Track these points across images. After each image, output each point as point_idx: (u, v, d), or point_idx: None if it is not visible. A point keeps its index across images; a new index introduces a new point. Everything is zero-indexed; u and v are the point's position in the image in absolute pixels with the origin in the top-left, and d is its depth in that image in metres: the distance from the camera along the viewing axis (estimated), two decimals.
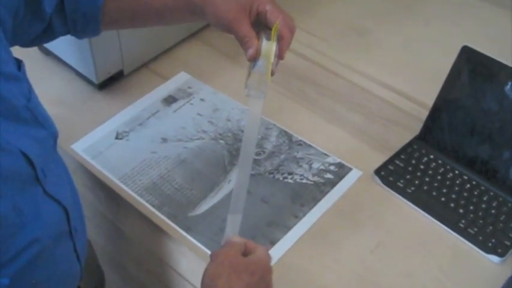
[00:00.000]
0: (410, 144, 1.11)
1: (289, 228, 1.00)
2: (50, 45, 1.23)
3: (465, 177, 1.05)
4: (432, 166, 1.07)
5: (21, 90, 0.80)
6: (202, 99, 1.23)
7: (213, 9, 0.90)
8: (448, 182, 1.05)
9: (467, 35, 1.33)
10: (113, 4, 0.96)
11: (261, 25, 0.90)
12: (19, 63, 0.83)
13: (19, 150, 0.75)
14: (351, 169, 1.09)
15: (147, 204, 1.04)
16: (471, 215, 1.00)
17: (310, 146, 1.13)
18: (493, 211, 1.00)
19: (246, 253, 0.82)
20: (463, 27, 1.40)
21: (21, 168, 0.76)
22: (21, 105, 0.78)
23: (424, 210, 1.02)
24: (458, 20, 1.43)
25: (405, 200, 1.04)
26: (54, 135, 0.87)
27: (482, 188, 1.04)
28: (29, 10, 0.88)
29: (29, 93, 0.81)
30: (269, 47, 0.86)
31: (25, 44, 0.95)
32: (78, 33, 0.98)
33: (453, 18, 1.44)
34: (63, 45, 1.17)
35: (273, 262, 0.95)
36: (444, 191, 1.04)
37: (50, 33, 0.95)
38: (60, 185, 0.86)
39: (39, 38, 0.95)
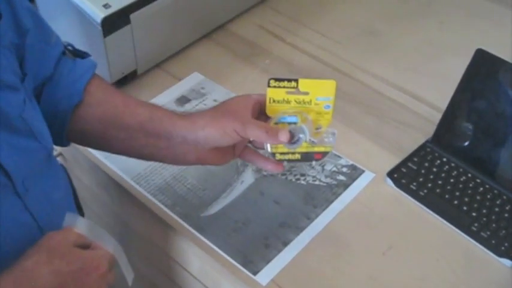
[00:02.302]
0: (423, 146, 1.11)
1: (301, 230, 1.00)
2: None
3: (478, 181, 1.05)
4: (445, 169, 1.07)
5: (16, 100, 0.78)
6: (215, 100, 1.23)
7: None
8: (461, 185, 1.05)
9: (481, 38, 1.33)
10: (90, 110, 0.90)
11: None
12: (24, 76, 0.81)
13: None
14: (363, 171, 1.09)
15: (159, 204, 1.04)
16: (484, 219, 1.00)
17: None
18: (506, 214, 1.00)
19: (83, 247, 0.76)
20: (478, 30, 1.40)
21: None
22: (15, 114, 0.77)
23: (436, 213, 1.02)
24: (472, 23, 1.43)
25: (418, 203, 1.04)
26: (47, 149, 0.84)
27: (496, 191, 1.03)
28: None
29: (23, 105, 0.79)
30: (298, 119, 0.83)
31: None
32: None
33: (467, 21, 1.44)
34: (76, 45, 1.17)
35: (284, 263, 0.96)
36: (457, 194, 1.03)
37: None
38: (43, 203, 0.82)
39: None
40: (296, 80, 0.81)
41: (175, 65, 1.32)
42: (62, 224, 0.79)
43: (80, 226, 0.78)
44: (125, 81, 1.25)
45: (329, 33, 1.36)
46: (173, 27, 1.29)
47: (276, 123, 0.83)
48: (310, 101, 0.83)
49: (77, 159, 1.18)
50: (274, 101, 0.83)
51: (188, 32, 1.34)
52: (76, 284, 0.74)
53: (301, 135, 0.82)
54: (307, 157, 0.84)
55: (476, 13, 1.46)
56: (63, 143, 0.93)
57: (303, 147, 0.83)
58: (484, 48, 1.04)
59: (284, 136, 0.79)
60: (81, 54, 0.94)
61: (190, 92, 1.25)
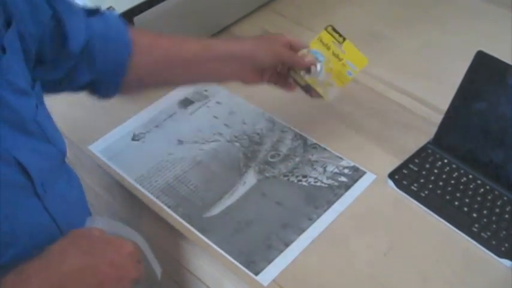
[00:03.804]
0: (424, 148, 1.12)
1: (303, 230, 1.01)
2: None
3: (479, 182, 1.06)
4: (446, 170, 1.08)
5: (29, 104, 0.80)
6: (218, 102, 1.24)
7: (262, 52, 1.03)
8: (461, 186, 1.05)
9: (482, 40, 1.33)
10: (144, 57, 0.98)
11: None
12: (34, 82, 0.84)
13: (14, 159, 0.75)
14: (365, 172, 1.10)
15: (162, 205, 1.05)
16: (484, 219, 1.01)
17: (324, 149, 1.14)
18: (506, 215, 1.01)
19: None
20: (478, 32, 1.40)
21: (15, 178, 0.76)
22: (29, 118, 0.79)
23: (437, 214, 1.03)
24: (473, 25, 1.44)
25: (419, 204, 1.04)
26: (61, 153, 0.87)
27: (496, 192, 1.04)
28: (54, 48, 0.89)
29: (36, 109, 0.81)
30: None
31: (48, 89, 0.92)
32: (101, 85, 0.98)
33: (468, 23, 1.44)
34: None
35: (286, 263, 0.96)
36: (458, 195, 1.04)
37: (73, 78, 0.94)
38: (60, 204, 0.85)
39: (60, 82, 0.94)
40: (344, 39, 1.06)
41: None
42: (78, 224, 0.83)
43: (101, 224, 0.82)
44: None
45: None
46: (177, 30, 1.29)
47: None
48: (342, 59, 1.05)
49: (80, 160, 1.19)
50: (321, 40, 1.06)
51: (192, 35, 1.34)
52: (105, 261, 0.77)
53: (318, 70, 1.04)
54: (307, 89, 1.06)
55: (477, 16, 1.47)
56: (115, 94, 1.01)
57: (310, 80, 1.04)
58: (484, 50, 1.05)
59: (308, 61, 1.04)
60: (94, 11, 0.97)
61: (194, 94, 1.26)
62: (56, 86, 0.94)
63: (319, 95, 1.07)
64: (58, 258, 0.75)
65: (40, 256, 0.74)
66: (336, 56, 1.06)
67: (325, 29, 1.07)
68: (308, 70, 1.05)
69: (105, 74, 0.96)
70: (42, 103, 0.86)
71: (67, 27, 0.89)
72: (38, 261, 0.73)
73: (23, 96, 0.79)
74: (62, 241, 0.77)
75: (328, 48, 1.07)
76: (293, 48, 1.05)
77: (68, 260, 0.75)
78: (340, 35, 1.06)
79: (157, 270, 0.92)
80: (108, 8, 1.13)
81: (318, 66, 1.04)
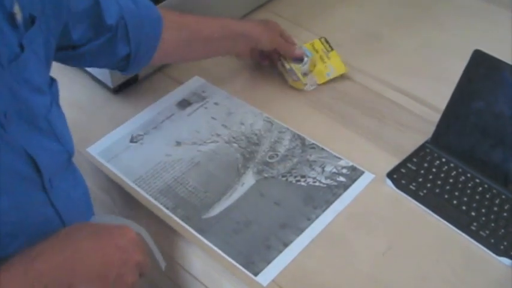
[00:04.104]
0: (422, 147, 1.12)
1: (302, 231, 1.01)
2: None
3: (477, 181, 1.06)
4: (444, 169, 1.08)
5: (43, 102, 0.83)
6: (216, 103, 1.24)
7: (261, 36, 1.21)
8: (460, 185, 1.05)
9: (480, 39, 1.33)
10: (173, 33, 1.10)
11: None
12: (51, 81, 0.88)
13: (25, 152, 0.77)
14: (363, 172, 1.10)
15: (161, 207, 1.05)
16: (483, 218, 1.01)
17: (322, 149, 1.14)
18: (504, 214, 1.01)
19: None
20: (476, 31, 1.40)
21: (25, 170, 0.78)
22: (41, 115, 0.82)
23: (436, 213, 1.03)
24: (471, 24, 1.44)
25: (417, 203, 1.04)
26: (69, 153, 0.89)
27: (494, 191, 1.04)
28: (91, 23, 0.96)
29: (50, 107, 0.84)
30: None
31: (90, 59, 1.03)
32: (135, 59, 1.06)
33: (466, 22, 1.44)
34: None
35: (285, 264, 0.96)
36: (456, 194, 1.04)
37: (112, 48, 1.02)
38: (65, 200, 0.87)
39: (100, 53, 1.01)
40: (332, 49, 1.30)
41: (176, 69, 1.33)
42: (82, 221, 0.88)
43: (105, 219, 0.85)
44: (126, 85, 1.26)
45: (330, 36, 1.36)
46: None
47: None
48: (326, 62, 1.28)
49: (79, 161, 1.19)
50: (312, 45, 1.30)
51: None
52: (111, 244, 0.80)
53: (304, 61, 1.25)
54: (291, 73, 1.26)
55: (475, 15, 1.47)
56: (144, 64, 1.10)
57: (295, 67, 1.25)
58: (482, 49, 1.05)
59: (299, 52, 1.25)
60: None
61: (191, 95, 1.26)
62: (96, 58, 1.03)
63: (297, 82, 1.26)
64: (65, 240, 0.77)
65: (47, 239, 0.76)
66: (322, 59, 1.28)
67: (319, 38, 1.31)
68: (296, 60, 1.25)
69: (139, 48, 1.05)
70: (57, 104, 0.89)
71: (102, 5, 0.97)
72: (45, 243, 0.76)
73: (37, 94, 0.81)
74: (68, 227, 0.80)
75: (317, 52, 1.29)
76: (283, 38, 1.25)
77: (75, 241, 0.77)
78: (330, 46, 1.30)
79: (161, 262, 0.95)
80: None
81: (305, 59, 1.25)
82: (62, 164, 0.88)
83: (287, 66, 1.26)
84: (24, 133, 0.78)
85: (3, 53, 0.74)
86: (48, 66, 0.88)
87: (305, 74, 1.26)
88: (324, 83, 1.27)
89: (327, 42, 1.31)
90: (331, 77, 1.28)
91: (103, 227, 0.83)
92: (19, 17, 0.77)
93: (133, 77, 1.26)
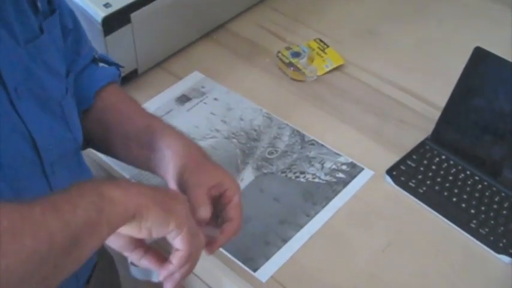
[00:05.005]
0: (422, 144, 1.12)
1: (301, 227, 1.01)
2: None
3: (477, 178, 1.06)
4: (444, 166, 1.08)
5: (59, 86, 0.83)
6: (215, 99, 1.24)
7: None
8: (459, 183, 1.05)
9: (480, 36, 1.33)
10: (94, 113, 0.94)
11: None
12: (68, 73, 0.87)
13: (28, 133, 0.76)
14: (362, 169, 1.10)
15: None
16: (482, 216, 1.01)
17: (322, 145, 1.14)
18: (504, 211, 1.01)
19: None
20: (476, 28, 1.40)
21: (25, 151, 0.76)
22: (55, 99, 0.81)
23: (435, 210, 1.03)
24: (471, 21, 1.44)
25: (417, 200, 1.04)
26: (77, 142, 0.88)
27: (494, 188, 1.04)
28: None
29: (65, 93, 0.84)
30: None
31: None
32: None
33: (466, 19, 1.44)
34: None
35: (284, 260, 0.96)
36: (456, 191, 1.04)
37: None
38: None
39: None
40: (328, 46, 1.33)
41: (175, 64, 1.32)
42: None
43: None
44: (125, 80, 1.25)
45: (329, 32, 1.36)
46: (173, 27, 1.29)
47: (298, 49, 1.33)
48: (323, 57, 1.32)
49: None
50: (308, 45, 1.33)
51: (188, 31, 1.35)
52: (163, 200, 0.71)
53: (301, 55, 1.29)
54: (290, 64, 1.28)
55: (475, 11, 1.47)
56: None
57: (294, 60, 1.28)
58: (482, 46, 1.04)
59: (204, 212, 0.82)
60: (109, 63, 1.00)
61: (191, 91, 1.26)
62: None
63: (297, 73, 1.27)
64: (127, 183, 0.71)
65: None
66: (319, 54, 1.32)
67: (314, 39, 1.34)
68: (294, 55, 1.29)
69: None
70: (72, 95, 0.87)
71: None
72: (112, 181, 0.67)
73: (54, 78, 0.81)
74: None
75: (313, 50, 1.32)
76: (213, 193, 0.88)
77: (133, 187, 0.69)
78: (325, 44, 1.34)
79: None
80: (105, 5, 1.13)
81: (302, 53, 1.30)
82: (68, 151, 0.86)
83: (285, 60, 1.28)
84: (33, 113, 0.77)
85: (21, 31, 0.75)
86: (64, 61, 0.87)
87: (304, 67, 1.28)
88: (324, 74, 1.29)
89: (322, 41, 1.34)
90: (330, 68, 1.29)
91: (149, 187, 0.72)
92: (40, 4, 0.79)
93: (132, 72, 1.25)
